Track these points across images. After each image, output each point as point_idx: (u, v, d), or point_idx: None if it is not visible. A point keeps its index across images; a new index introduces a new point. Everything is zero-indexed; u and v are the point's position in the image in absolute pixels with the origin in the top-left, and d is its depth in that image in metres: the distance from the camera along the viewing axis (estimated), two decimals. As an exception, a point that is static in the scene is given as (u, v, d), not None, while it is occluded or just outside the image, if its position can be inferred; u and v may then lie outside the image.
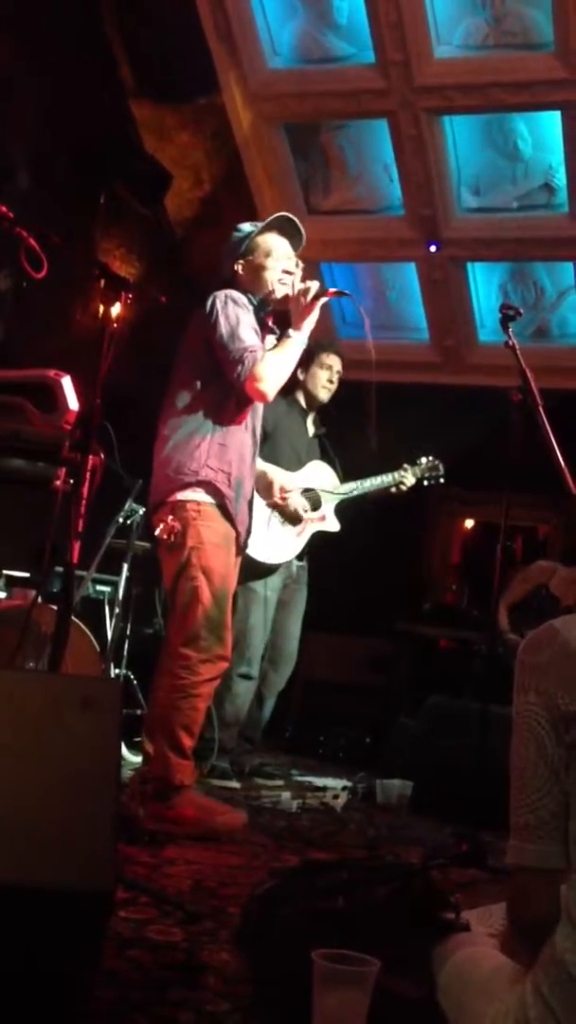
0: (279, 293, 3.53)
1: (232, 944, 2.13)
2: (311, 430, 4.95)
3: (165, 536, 3.35)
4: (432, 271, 6.82)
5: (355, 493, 4.83)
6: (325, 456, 4.96)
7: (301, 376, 4.83)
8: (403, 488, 4.89)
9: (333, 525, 4.78)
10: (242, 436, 3.48)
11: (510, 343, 3.44)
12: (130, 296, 2.71)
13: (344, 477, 4.91)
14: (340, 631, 6.47)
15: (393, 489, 4.88)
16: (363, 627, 6.45)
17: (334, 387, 4.92)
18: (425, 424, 6.27)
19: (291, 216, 3.62)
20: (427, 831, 3.91)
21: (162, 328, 3.49)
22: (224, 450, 3.40)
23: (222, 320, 3.38)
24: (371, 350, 3.63)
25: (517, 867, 1.54)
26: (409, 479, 4.89)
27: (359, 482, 4.86)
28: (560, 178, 6.23)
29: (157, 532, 3.38)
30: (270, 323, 3.64)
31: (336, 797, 4.17)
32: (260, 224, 3.58)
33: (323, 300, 3.46)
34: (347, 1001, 1.54)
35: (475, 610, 6.47)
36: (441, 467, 5.04)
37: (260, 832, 3.48)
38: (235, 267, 3.55)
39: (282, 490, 4.53)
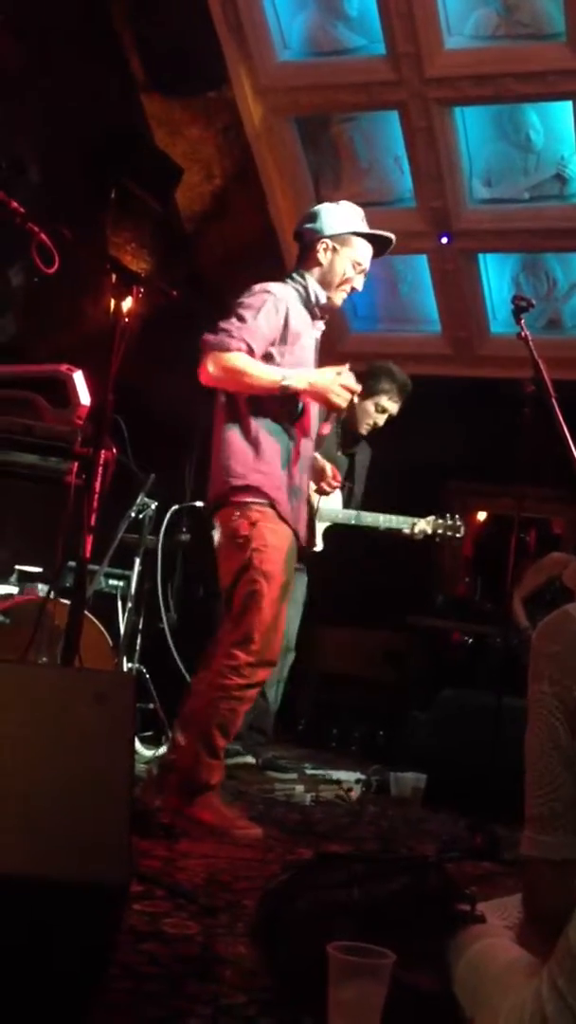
0: (337, 298, 3.49)
1: (247, 937, 2.14)
2: (337, 445, 4.83)
3: (241, 532, 3.28)
4: (444, 263, 6.79)
5: (351, 522, 4.66)
6: (349, 475, 4.84)
7: (356, 399, 4.54)
8: (413, 535, 4.66)
9: (316, 545, 4.63)
10: (292, 435, 3.40)
11: (523, 334, 3.43)
12: (141, 290, 2.71)
13: (356, 503, 4.81)
14: (353, 624, 6.47)
15: (406, 530, 4.65)
16: (376, 620, 6.45)
17: (377, 427, 4.80)
18: (438, 416, 6.26)
19: (393, 239, 3.53)
20: (441, 824, 3.91)
21: (174, 322, 3.48)
22: (270, 451, 3.33)
23: (246, 298, 3.33)
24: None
25: (531, 858, 1.53)
26: (421, 528, 4.65)
27: (364, 514, 4.69)
28: (572, 168, 6.20)
29: (232, 525, 3.30)
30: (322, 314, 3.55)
31: (350, 790, 4.17)
32: (366, 227, 3.49)
33: (331, 407, 3.44)
34: (363, 994, 1.53)
35: (488, 603, 6.46)
36: (463, 529, 4.79)
37: (274, 825, 3.48)
38: (318, 245, 3.44)
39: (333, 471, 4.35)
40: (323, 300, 3.48)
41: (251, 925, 2.17)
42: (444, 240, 6.58)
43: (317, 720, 6.12)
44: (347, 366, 3.42)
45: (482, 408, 6.16)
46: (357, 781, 4.32)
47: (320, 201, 6.77)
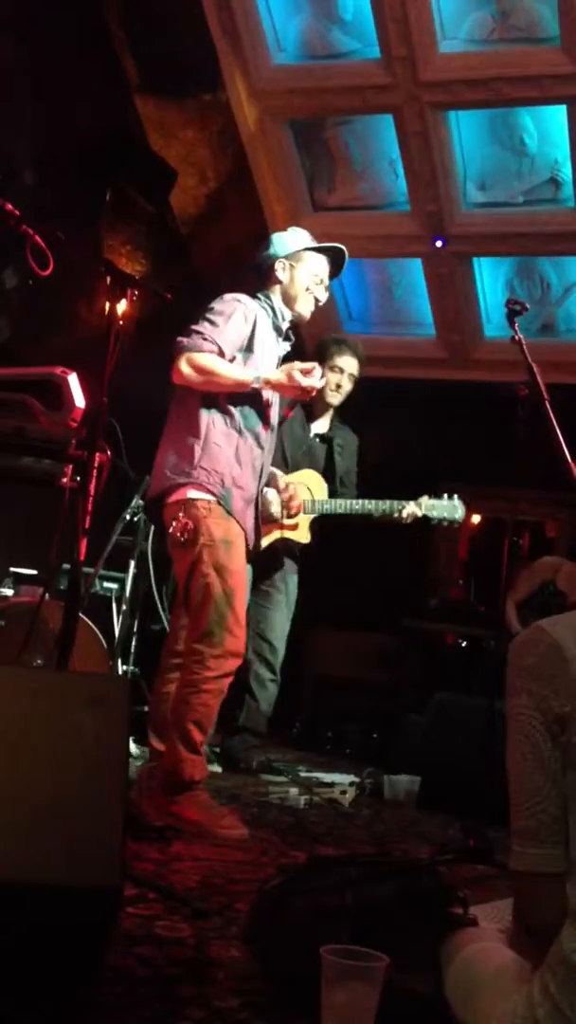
0: (305, 312, 3.62)
1: (241, 940, 2.13)
2: (311, 430, 4.87)
3: (179, 534, 3.35)
4: (438, 266, 6.80)
5: (338, 511, 4.62)
6: (330, 463, 4.86)
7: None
8: (402, 518, 4.56)
9: (303, 536, 4.65)
10: (245, 440, 3.47)
11: (516, 338, 3.44)
12: (136, 293, 2.71)
13: (342, 491, 4.79)
14: (347, 627, 6.47)
15: (397, 515, 4.56)
16: (370, 623, 6.45)
17: (346, 390, 4.83)
18: (431, 419, 6.27)
19: (346, 252, 3.68)
20: (435, 827, 3.91)
21: (168, 325, 3.49)
22: (219, 451, 3.40)
23: (216, 304, 3.45)
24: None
25: (521, 873, 1.53)
26: (410, 511, 4.56)
27: (350, 502, 4.64)
28: (566, 172, 6.21)
29: (171, 530, 3.38)
30: (287, 329, 3.67)
31: (344, 793, 4.17)
32: (316, 242, 3.67)
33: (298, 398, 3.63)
34: (356, 997, 1.54)
35: (482, 606, 6.46)
36: (461, 511, 4.65)
37: (268, 828, 3.48)
38: (276, 264, 3.59)
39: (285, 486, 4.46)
40: (288, 316, 3.61)
41: (244, 928, 2.17)
42: (438, 244, 6.59)
43: (312, 723, 6.12)
44: (314, 365, 3.55)
45: (476, 411, 6.17)
46: (351, 784, 4.32)
47: (315, 204, 6.85)
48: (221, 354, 3.39)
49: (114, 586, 4.97)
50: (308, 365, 3.50)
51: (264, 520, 4.46)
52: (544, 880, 1.50)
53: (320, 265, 3.63)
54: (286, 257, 3.60)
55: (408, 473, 6.08)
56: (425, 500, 4.61)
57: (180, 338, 3.38)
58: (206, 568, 3.33)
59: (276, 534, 4.60)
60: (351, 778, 4.49)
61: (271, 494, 4.43)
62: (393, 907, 1.85)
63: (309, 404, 4.78)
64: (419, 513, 4.58)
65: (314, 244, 3.66)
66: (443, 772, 4.26)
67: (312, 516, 4.64)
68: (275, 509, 4.46)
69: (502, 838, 3.23)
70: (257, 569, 4.62)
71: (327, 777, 4.55)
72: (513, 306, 3.49)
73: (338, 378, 4.80)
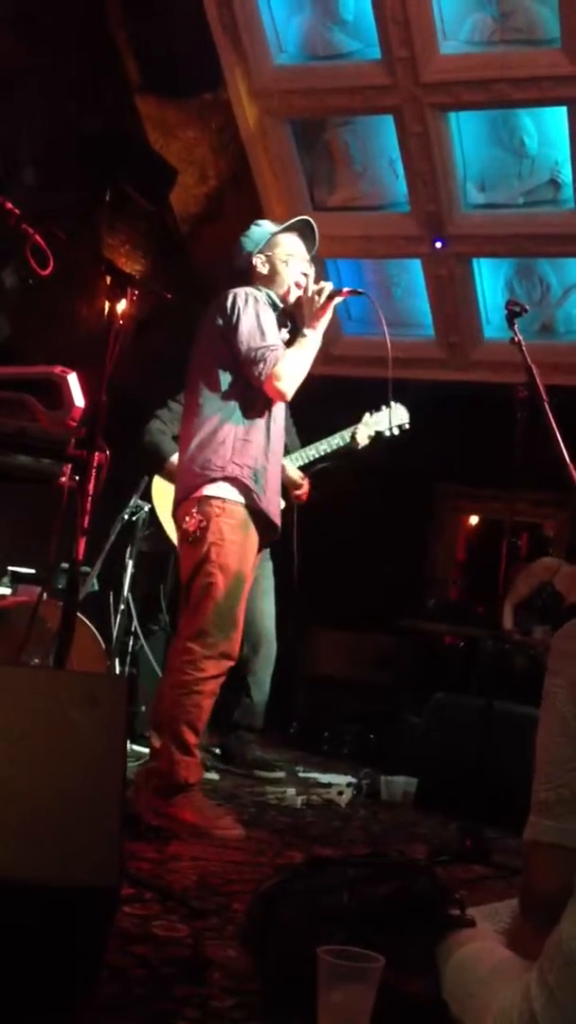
0: (293, 295, 3.60)
1: (237, 940, 2.14)
2: None
3: (192, 529, 3.35)
4: (438, 267, 6.81)
5: (310, 459, 4.62)
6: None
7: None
8: (356, 443, 4.58)
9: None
10: (263, 432, 3.47)
11: (516, 339, 3.44)
12: (136, 292, 2.71)
13: (292, 442, 4.69)
14: (345, 628, 6.47)
15: (352, 442, 4.56)
16: (367, 624, 6.45)
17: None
18: (430, 420, 6.27)
19: (311, 221, 3.67)
20: (432, 828, 3.91)
21: (168, 324, 3.49)
22: (247, 445, 3.41)
23: (243, 317, 3.41)
24: (388, 348, 3.63)
25: (534, 843, 1.56)
26: (364, 432, 4.58)
27: (306, 451, 4.64)
28: (566, 174, 6.22)
29: (184, 525, 3.38)
30: (284, 317, 3.67)
31: (341, 793, 4.17)
32: (283, 224, 3.66)
33: (337, 300, 3.53)
34: (352, 997, 1.54)
35: (480, 607, 6.46)
36: (404, 412, 4.64)
37: (265, 828, 3.48)
38: (254, 261, 3.59)
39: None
40: (280, 303, 3.60)
41: (241, 928, 2.17)
42: (438, 244, 6.60)
43: (309, 723, 6.12)
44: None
45: (475, 413, 6.17)
46: (348, 784, 4.32)
47: (315, 204, 6.85)
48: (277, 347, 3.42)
49: (112, 585, 4.96)
50: (316, 286, 3.52)
51: None
52: (554, 853, 1.53)
53: (293, 243, 3.63)
54: (259, 251, 3.60)
55: (406, 474, 6.10)
56: (368, 417, 4.63)
57: (255, 373, 3.37)
58: (211, 567, 3.33)
59: None
60: (348, 779, 4.50)
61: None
62: (390, 908, 1.85)
63: None
64: (371, 432, 4.60)
65: (279, 227, 3.66)
66: (440, 773, 4.26)
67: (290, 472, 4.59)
68: None
69: (499, 839, 3.25)
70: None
71: (324, 778, 4.56)
72: (513, 307, 3.49)
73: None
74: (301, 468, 4.62)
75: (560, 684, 1.60)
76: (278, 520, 3.54)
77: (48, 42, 5.18)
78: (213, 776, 4.31)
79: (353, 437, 4.60)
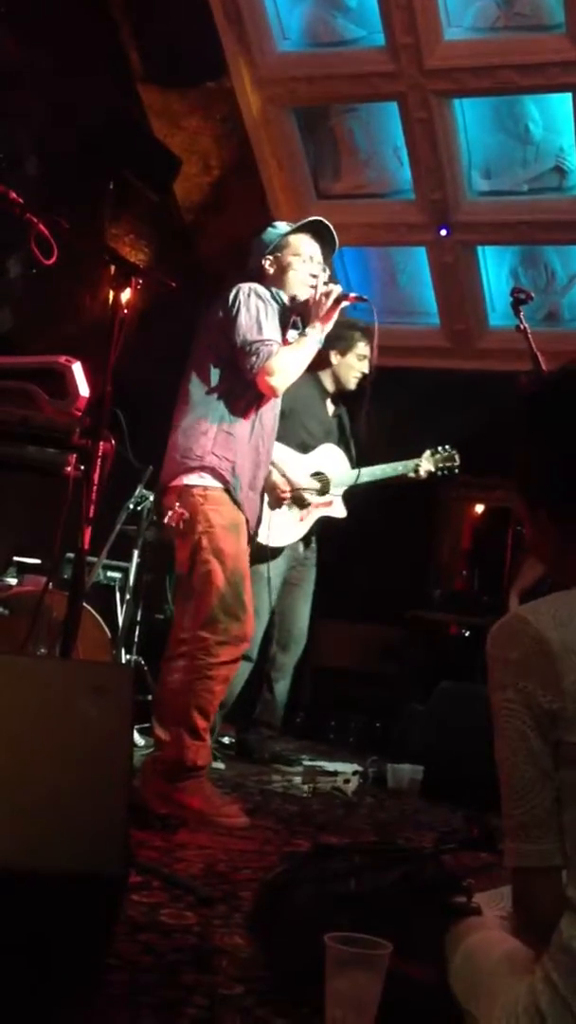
0: (302, 296, 3.57)
1: (245, 928, 2.14)
2: (330, 410, 4.91)
3: (174, 523, 3.37)
4: (442, 255, 6.78)
5: (365, 480, 4.71)
6: (343, 437, 4.91)
7: (335, 360, 4.80)
8: (418, 476, 4.82)
9: (339, 511, 4.74)
10: (253, 427, 3.49)
11: (521, 327, 3.43)
12: (140, 282, 2.71)
13: (358, 462, 4.83)
14: (351, 618, 6.47)
15: (411, 474, 4.80)
16: (374, 614, 6.45)
17: (364, 374, 4.83)
18: (436, 409, 6.25)
19: (326, 221, 3.64)
20: (438, 816, 3.92)
21: (172, 314, 3.49)
22: (230, 439, 3.42)
23: (243, 311, 3.41)
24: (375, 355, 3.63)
25: (517, 869, 1.52)
26: (424, 467, 4.82)
27: (371, 468, 4.75)
28: (571, 160, 6.18)
29: (166, 519, 3.40)
30: (294, 317, 3.66)
31: (347, 782, 4.18)
32: (294, 224, 3.64)
33: (343, 305, 3.53)
34: (360, 984, 1.54)
35: (485, 596, 6.46)
36: (457, 458, 4.92)
37: (272, 817, 3.49)
38: (263, 262, 3.59)
39: (281, 489, 4.49)
40: (287, 303, 3.58)
41: (248, 916, 2.17)
42: (443, 232, 6.57)
43: (316, 712, 6.13)
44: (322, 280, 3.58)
45: (480, 401, 6.15)
46: (355, 773, 4.32)
47: (319, 192, 6.83)
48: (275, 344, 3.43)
49: (118, 575, 4.97)
50: (324, 288, 3.52)
51: (300, 504, 4.55)
52: (541, 875, 1.49)
53: (304, 244, 3.61)
54: (269, 252, 3.59)
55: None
56: (428, 454, 4.87)
57: (247, 366, 3.38)
58: (206, 555, 3.34)
59: (316, 514, 4.67)
60: (354, 767, 4.50)
61: (301, 480, 4.54)
62: (396, 895, 1.86)
63: (327, 383, 4.87)
64: (431, 468, 4.85)
65: (291, 227, 3.64)
66: (446, 761, 4.26)
67: (343, 489, 4.73)
68: (307, 495, 4.56)
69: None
70: (294, 559, 4.68)
71: (331, 766, 4.56)
72: (518, 295, 3.48)
73: (363, 366, 4.81)
74: (356, 486, 4.71)
75: (512, 698, 1.49)
76: (253, 520, 3.54)
77: (51, 31, 5.17)
78: (219, 765, 4.33)
79: (416, 470, 4.82)
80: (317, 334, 3.49)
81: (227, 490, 3.40)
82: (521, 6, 5.75)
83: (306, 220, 3.66)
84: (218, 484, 3.39)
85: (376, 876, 1.91)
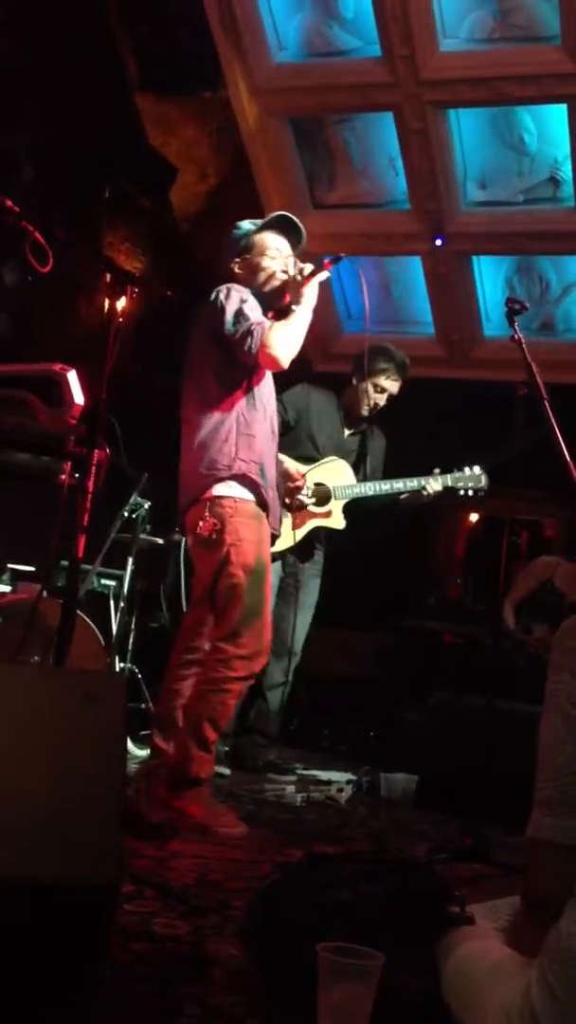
0: (273, 283, 3.54)
1: (237, 937, 2.14)
2: (346, 428, 4.83)
3: (206, 533, 3.32)
4: (437, 265, 6.80)
5: (368, 494, 4.63)
6: (360, 453, 4.83)
7: (355, 381, 4.73)
8: (428, 494, 4.62)
9: (338, 522, 4.67)
10: (264, 425, 3.48)
11: (516, 337, 3.43)
12: (135, 290, 2.71)
13: (371, 477, 4.76)
14: (345, 626, 6.47)
15: (425, 493, 4.61)
16: (368, 622, 6.45)
17: (378, 407, 4.77)
18: (430, 418, 6.27)
19: (289, 215, 3.64)
20: (431, 825, 3.91)
21: (168, 322, 3.49)
22: (252, 440, 3.40)
23: (227, 305, 3.39)
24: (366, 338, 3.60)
25: (536, 840, 1.55)
26: (434, 485, 4.62)
27: (378, 483, 4.66)
28: (566, 171, 6.21)
29: (198, 530, 3.35)
30: (271, 315, 3.65)
31: (340, 791, 4.17)
32: (259, 222, 3.62)
33: (322, 276, 3.47)
34: (352, 994, 1.54)
35: (480, 605, 6.47)
36: (484, 480, 4.67)
37: (265, 826, 3.48)
38: (232, 265, 3.58)
39: (297, 474, 4.45)
40: (264, 300, 3.55)
41: (241, 925, 2.17)
42: (438, 242, 6.59)
43: (309, 721, 6.12)
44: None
45: (475, 411, 6.17)
46: (348, 782, 4.32)
47: (315, 202, 6.85)
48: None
49: (112, 583, 4.97)
50: (295, 268, 3.51)
51: (295, 509, 4.50)
52: (556, 851, 1.53)
53: (270, 240, 3.58)
54: (237, 256, 3.58)
55: (406, 472, 6.08)
56: (437, 472, 4.67)
57: (245, 349, 3.33)
58: (234, 568, 3.31)
59: (311, 524, 4.62)
60: (348, 776, 4.50)
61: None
62: (390, 905, 1.85)
63: (345, 413, 4.80)
64: (439, 487, 4.63)
65: (255, 226, 3.62)
66: (440, 770, 4.26)
67: (344, 501, 4.65)
68: (305, 498, 4.51)
69: (499, 837, 3.25)
70: (287, 566, 4.65)
71: (324, 775, 4.55)
72: (513, 305, 3.48)
73: (378, 397, 4.73)
74: (362, 499, 4.64)
75: (564, 680, 1.59)
76: (278, 511, 3.54)
77: (48, 40, 5.18)
78: (224, 771, 4.32)
79: (425, 488, 4.61)
80: (303, 308, 3.43)
81: (257, 500, 3.38)
82: (517, 18, 5.77)
83: (270, 217, 3.64)
84: (248, 496, 3.37)
85: (369, 886, 1.91)
